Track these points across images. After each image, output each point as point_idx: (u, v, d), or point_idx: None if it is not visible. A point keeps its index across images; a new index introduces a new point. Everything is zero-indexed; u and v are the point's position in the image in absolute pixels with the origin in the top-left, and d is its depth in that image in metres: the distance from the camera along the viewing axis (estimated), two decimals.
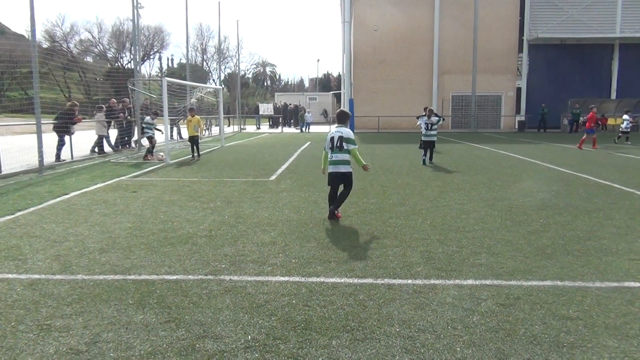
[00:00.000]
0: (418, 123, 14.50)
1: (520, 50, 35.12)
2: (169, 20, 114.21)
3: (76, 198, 8.33)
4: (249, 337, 3.28)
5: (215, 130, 29.89)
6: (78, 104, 15.60)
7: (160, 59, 74.58)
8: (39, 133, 11.35)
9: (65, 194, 8.61)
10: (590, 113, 18.76)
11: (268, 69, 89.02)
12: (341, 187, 6.80)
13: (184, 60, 53.08)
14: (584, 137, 18.59)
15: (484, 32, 33.02)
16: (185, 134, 20.08)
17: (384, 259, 4.93)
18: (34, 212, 7.16)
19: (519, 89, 35.62)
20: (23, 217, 6.87)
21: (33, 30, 11.49)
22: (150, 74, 66.04)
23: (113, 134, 17.93)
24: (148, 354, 3.05)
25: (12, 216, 6.91)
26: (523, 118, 33.69)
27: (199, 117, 15.08)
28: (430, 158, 13.41)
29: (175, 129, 23.48)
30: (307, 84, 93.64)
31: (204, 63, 66.15)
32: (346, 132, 6.62)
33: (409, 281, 4.30)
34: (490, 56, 33.79)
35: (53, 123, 14.43)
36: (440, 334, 3.31)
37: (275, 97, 57.20)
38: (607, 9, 33.67)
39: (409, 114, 31.76)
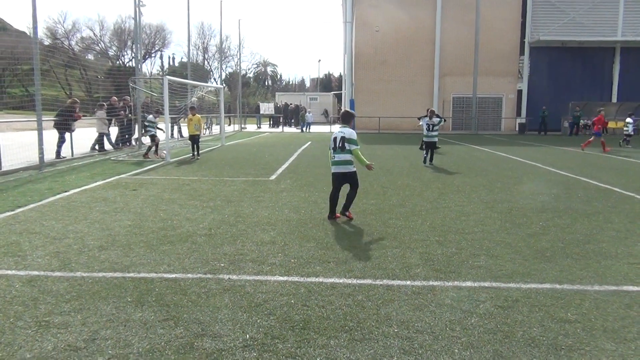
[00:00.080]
0: (420, 124, 14.52)
1: (522, 52, 35.14)
2: (170, 19, 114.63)
3: (76, 195, 8.33)
4: (248, 336, 3.28)
5: (215, 129, 29.89)
6: (79, 101, 15.61)
7: (161, 57, 74.54)
8: (39, 130, 11.36)
9: (65, 191, 8.62)
10: (599, 116, 18.78)
11: (269, 69, 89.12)
12: (346, 188, 6.82)
13: (185, 59, 53.07)
14: (591, 139, 18.61)
15: (486, 34, 33.04)
16: (185, 133, 20.10)
17: (383, 259, 4.93)
18: (34, 209, 7.16)
19: (519, 91, 35.63)
20: (23, 213, 6.87)
21: (35, 27, 11.50)
22: (151, 72, 66.12)
23: (114, 131, 17.94)
24: (146, 352, 3.05)
25: (12, 212, 6.91)
26: (524, 120, 33.71)
27: (199, 116, 15.07)
28: (431, 159, 13.42)
29: (176, 127, 23.49)
30: (308, 84, 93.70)
31: (205, 62, 66.18)
32: (348, 132, 6.63)
33: (408, 282, 4.31)
34: (491, 58, 33.80)
35: (54, 120, 14.45)
36: (438, 336, 3.32)
37: (276, 96, 57.25)
38: (609, 12, 33.68)
39: (410, 115, 31.76)
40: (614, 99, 34.30)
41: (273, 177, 10.79)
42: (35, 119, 11.44)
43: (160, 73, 62.46)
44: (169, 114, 15.40)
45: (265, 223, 6.43)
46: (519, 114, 35.50)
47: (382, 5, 34.43)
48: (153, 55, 68.56)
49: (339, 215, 6.77)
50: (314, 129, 35.26)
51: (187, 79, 24.30)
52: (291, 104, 43.24)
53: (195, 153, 14.64)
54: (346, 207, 6.73)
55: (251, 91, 78.02)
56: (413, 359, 3.02)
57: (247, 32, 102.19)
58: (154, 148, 14.93)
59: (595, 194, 8.90)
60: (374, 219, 6.76)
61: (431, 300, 3.91)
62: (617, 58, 34.74)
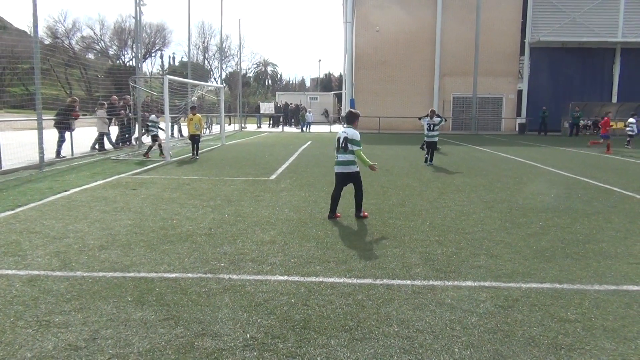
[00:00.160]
0: (422, 123, 14.52)
1: (522, 52, 35.11)
2: (171, 18, 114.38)
3: (76, 195, 8.34)
4: (248, 335, 3.29)
5: (216, 128, 29.89)
6: (78, 99, 15.60)
7: (161, 56, 74.52)
8: (39, 129, 11.35)
9: (66, 191, 8.62)
10: (606, 118, 18.75)
11: (269, 68, 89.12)
12: (350, 189, 6.85)
13: (185, 59, 53.04)
14: (601, 141, 18.62)
15: (486, 34, 33.03)
16: (185, 132, 20.09)
17: (383, 259, 4.94)
18: (34, 208, 7.17)
19: (520, 92, 35.60)
20: (23, 213, 6.88)
21: (35, 26, 11.49)
22: (151, 71, 66.12)
23: (114, 131, 17.94)
24: (147, 351, 3.06)
25: (12, 212, 6.91)
26: (524, 121, 33.68)
27: (200, 115, 15.07)
28: (431, 159, 13.44)
29: (176, 127, 23.49)
30: (308, 84, 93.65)
31: (206, 61, 66.21)
32: (352, 132, 6.64)
33: (408, 282, 4.31)
34: (491, 58, 33.78)
35: (54, 119, 14.45)
36: (438, 335, 3.32)
37: (277, 96, 57.23)
38: (609, 13, 33.65)
39: (410, 115, 31.76)
40: (614, 100, 34.27)
41: (273, 176, 10.79)
42: (36, 118, 11.44)
43: (161, 72, 62.49)
44: (169, 114, 15.40)
45: (265, 222, 6.44)
46: (519, 114, 35.48)
47: (382, 6, 34.42)
48: (153, 54, 68.60)
49: (339, 214, 6.78)
50: (314, 128, 35.25)
51: (187, 78, 24.30)
52: (291, 104, 43.23)
53: (195, 152, 14.64)
54: (358, 208, 6.80)
55: (251, 91, 78.01)
56: (413, 358, 3.02)
57: (248, 31, 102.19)
58: (156, 148, 14.93)
59: (595, 194, 8.91)
60: (374, 218, 6.77)
61: (431, 300, 3.91)
62: (617, 59, 34.71)
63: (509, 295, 4.03)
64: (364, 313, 3.65)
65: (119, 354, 3.03)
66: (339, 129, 6.83)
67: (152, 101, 20.20)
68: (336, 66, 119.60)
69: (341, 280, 4.33)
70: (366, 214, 6.87)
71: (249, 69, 79.49)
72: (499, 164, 13.83)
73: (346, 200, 7.21)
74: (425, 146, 13.85)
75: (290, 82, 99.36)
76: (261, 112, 42.73)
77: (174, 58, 79.86)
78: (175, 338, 3.24)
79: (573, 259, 5.04)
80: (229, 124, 36.84)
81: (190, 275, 4.43)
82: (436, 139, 13.53)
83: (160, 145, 14.79)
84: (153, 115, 15.30)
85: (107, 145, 16.95)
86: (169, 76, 15.94)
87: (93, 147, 16.39)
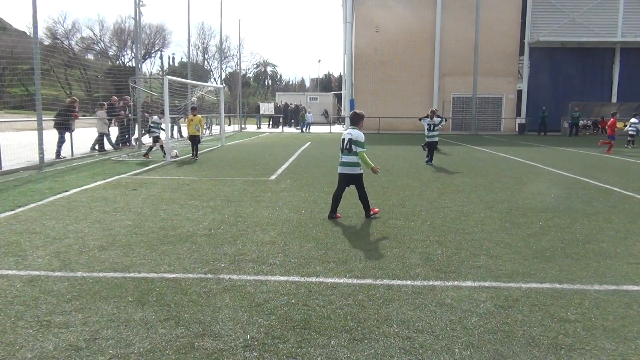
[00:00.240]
0: (422, 124, 14.54)
1: (522, 52, 35.14)
2: (170, 19, 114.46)
3: (76, 195, 8.34)
4: (248, 336, 3.29)
5: (215, 129, 29.90)
6: (78, 99, 15.60)
7: (161, 57, 74.36)
8: (39, 130, 11.35)
9: (66, 191, 8.62)
10: (612, 119, 18.73)
11: (269, 69, 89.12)
12: (353, 191, 6.88)
13: (185, 59, 53.08)
14: (611, 142, 18.64)
15: (486, 34, 33.05)
16: (185, 133, 20.09)
17: (383, 259, 4.94)
18: (34, 209, 7.17)
19: (519, 92, 35.63)
20: (23, 213, 6.88)
21: (35, 27, 11.49)
22: (151, 72, 66.09)
23: (114, 131, 17.94)
24: (147, 352, 3.06)
25: (12, 212, 6.92)
26: (523, 121, 33.70)
27: (200, 116, 15.07)
28: (431, 159, 13.45)
29: (175, 127, 23.49)
30: (308, 84, 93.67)
31: (205, 62, 66.19)
32: (356, 134, 6.66)
33: (408, 282, 4.31)
34: (491, 58, 33.81)
35: (54, 120, 14.45)
36: (438, 335, 3.32)
37: (276, 96, 57.24)
38: (608, 13, 33.68)
39: (410, 115, 31.81)
40: (614, 100, 34.31)
41: (273, 177, 10.80)
42: (36, 119, 11.44)
43: (160, 73, 62.45)
44: (169, 114, 15.39)
45: (265, 223, 6.44)
46: (518, 114, 35.50)
47: (382, 6, 34.44)
48: (153, 55, 68.59)
49: (339, 215, 6.78)
50: (314, 129, 35.25)
51: (187, 78, 24.31)
52: (291, 104, 43.24)
53: (195, 153, 14.63)
54: (366, 208, 6.81)
55: (251, 91, 78.02)
56: (413, 358, 3.03)
57: (247, 32, 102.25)
58: (157, 149, 14.93)
59: (595, 194, 8.91)
60: (374, 219, 6.77)
61: (431, 300, 3.92)
62: (617, 58, 34.74)
63: (509, 295, 4.04)
64: (364, 313, 3.66)
65: (119, 354, 3.03)
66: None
67: (152, 102, 20.20)
68: (336, 66, 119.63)
69: (341, 281, 4.33)
70: (376, 209, 6.91)
71: (248, 69, 79.57)
72: (498, 164, 13.83)
73: (346, 201, 7.21)
74: (426, 146, 13.87)
75: (290, 83, 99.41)
76: (261, 112, 42.74)
77: (173, 59, 79.86)
78: (175, 338, 3.24)
79: (573, 259, 5.04)
80: (229, 125, 36.83)
81: (190, 275, 4.44)
82: (436, 139, 13.58)
83: (162, 147, 14.80)
84: (156, 117, 15.30)
85: (107, 146, 16.95)
86: (168, 77, 15.94)
87: (93, 148, 16.40)
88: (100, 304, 3.78)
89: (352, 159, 6.67)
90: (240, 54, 46.54)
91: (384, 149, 19.28)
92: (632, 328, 3.47)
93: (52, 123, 14.32)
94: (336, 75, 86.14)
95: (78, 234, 5.77)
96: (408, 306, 3.80)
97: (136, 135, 18.19)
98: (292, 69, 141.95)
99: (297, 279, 4.37)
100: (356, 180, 6.73)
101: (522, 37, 34.59)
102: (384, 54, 34.78)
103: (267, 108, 44.81)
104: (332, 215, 6.72)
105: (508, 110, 35.31)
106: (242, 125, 36.27)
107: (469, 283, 4.30)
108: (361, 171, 6.75)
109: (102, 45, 64.80)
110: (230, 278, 4.37)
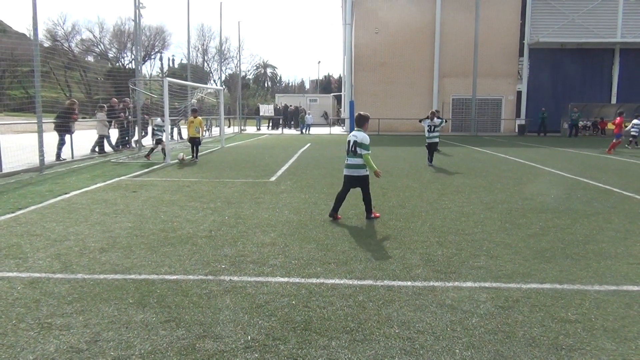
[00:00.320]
0: (423, 125, 14.56)
1: (521, 54, 35.17)
2: (170, 21, 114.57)
3: (77, 197, 8.34)
4: (249, 337, 3.29)
5: (215, 131, 29.91)
6: (77, 101, 15.61)
7: (161, 59, 74.35)
8: (39, 132, 11.37)
9: (66, 193, 8.63)
10: (619, 118, 18.70)
11: (269, 70, 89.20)
12: (357, 192, 6.91)
13: (185, 61, 53.17)
14: (614, 141, 18.64)
15: (485, 36, 33.09)
16: (185, 135, 20.09)
17: (384, 260, 4.94)
18: (35, 211, 7.17)
19: (519, 93, 35.65)
20: (24, 215, 6.88)
21: (35, 29, 11.50)
22: (151, 74, 66.09)
23: (114, 133, 17.94)
24: (148, 353, 3.06)
25: (13, 215, 6.92)
26: (523, 122, 33.72)
27: (201, 118, 15.09)
28: (430, 160, 13.47)
29: (175, 129, 23.50)
30: (307, 86, 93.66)
31: (205, 64, 66.21)
32: (361, 136, 6.68)
33: (409, 283, 4.32)
34: (491, 59, 33.84)
35: (54, 122, 14.46)
36: (439, 336, 3.33)
37: (276, 98, 57.30)
38: (608, 14, 33.71)
39: (410, 116, 31.83)
40: (614, 100, 34.33)
41: (273, 178, 10.80)
42: (36, 121, 11.45)
43: (160, 75, 62.49)
44: (169, 116, 15.39)
45: (265, 224, 6.45)
46: (518, 115, 35.52)
47: (381, 7, 34.49)
48: (153, 57, 68.56)
49: (339, 217, 6.79)
50: (314, 130, 35.29)
51: (187, 80, 24.32)
52: (291, 106, 43.26)
53: (195, 155, 14.64)
54: (368, 210, 6.84)
55: (251, 93, 78.07)
56: (414, 359, 3.03)
57: (247, 33, 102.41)
58: (158, 150, 14.94)
59: (595, 195, 8.92)
60: (374, 220, 6.77)
61: (432, 301, 3.92)
62: (616, 59, 34.76)
63: (510, 296, 4.04)
64: (365, 314, 3.66)
65: (120, 356, 3.03)
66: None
67: (152, 104, 20.21)
68: (336, 68, 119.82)
69: (342, 282, 4.34)
70: (377, 214, 6.92)
71: (248, 71, 79.62)
72: (498, 165, 13.84)
73: (347, 202, 7.20)
74: (426, 147, 13.89)
75: (290, 84, 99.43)
76: (261, 114, 42.76)
77: (173, 60, 79.79)
78: (176, 340, 3.24)
79: (573, 259, 5.04)
80: (229, 127, 36.84)
81: (191, 277, 4.44)
82: (436, 140, 13.60)
83: (163, 149, 14.80)
84: (159, 119, 15.31)
85: (107, 148, 16.96)
86: (168, 78, 15.94)
87: (93, 150, 16.40)
88: (101, 305, 3.79)
89: (357, 161, 6.70)
90: (240, 56, 46.59)
91: (384, 150, 19.29)
92: (632, 328, 3.48)
93: (52, 125, 14.33)
94: (336, 76, 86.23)
95: (78, 236, 5.78)
96: (408, 307, 3.80)
97: (136, 137, 18.19)
98: (291, 71, 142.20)
99: (297, 280, 4.37)
100: (362, 182, 6.77)
101: (522, 38, 34.63)
102: (383, 56, 34.82)
103: (266, 110, 44.83)
104: (333, 213, 6.75)
105: (508, 111, 35.34)
106: (242, 127, 36.29)
107: (469, 284, 4.31)
108: (367, 173, 6.78)
109: (102, 47, 64.83)
110: (230, 279, 4.37)
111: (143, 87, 19.92)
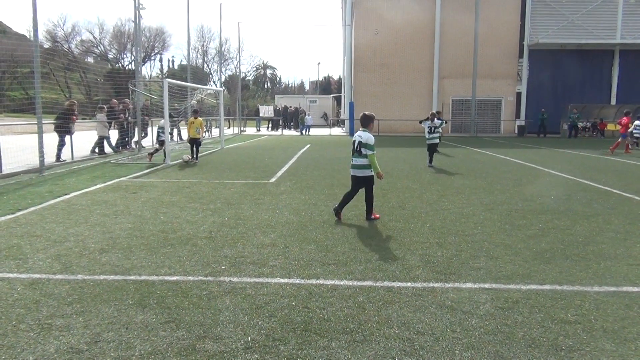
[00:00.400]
0: (423, 126, 14.57)
1: (521, 55, 35.19)
2: (170, 22, 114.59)
3: (76, 198, 8.34)
4: (249, 338, 3.29)
5: (215, 132, 29.92)
6: (76, 102, 15.61)
7: (161, 60, 74.30)
8: (39, 133, 11.37)
9: (66, 194, 8.63)
10: (626, 118, 18.70)
11: (268, 72, 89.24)
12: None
13: (184, 62, 53.26)
14: (619, 140, 18.63)
15: (485, 37, 33.11)
16: (185, 136, 20.10)
17: (384, 261, 4.95)
18: (35, 212, 7.17)
19: (519, 94, 35.67)
20: (24, 216, 6.88)
21: (35, 30, 11.51)
22: (151, 75, 66.12)
23: (113, 134, 17.94)
24: (148, 354, 3.07)
25: (13, 215, 6.92)
26: (523, 123, 33.73)
27: (201, 119, 15.09)
28: (430, 161, 13.48)
29: (175, 130, 23.51)
30: (307, 87, 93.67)
31: (205, 65, 66.24)
32: (366, 137, 6.71)
33: (408, 284, 4.32)
34: (490, 61, 33.88)
35: (54, 123, 14.46)
36: (439, 337, 3.33)
37: (276, 99, 57.27)
38: (607, 15, 33.75)
39: (410, 117, 31.85)
40: (613, 101, 34.36)
41: (273, 179, 10.81)
42: (36, 122, 11.45)
43: (160, 76, 62.51)
44: (170, 117, 15.40)
45: (265, 225, 6.45)
46: (518, 116, 35.53)
47: (381, 9, 34.51)
48: (153, 58, 68.57)
49: (377, 215, 6.88)
50: (314, 131, 35.30)
51: (186, 81, 24.33)
52: (291, 107, 43.27)
53: (195, 156, 14.64)
54: (368, 211, 6.86)
55: (250, 94, 78.11)
56: None
57: (247, 35, 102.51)
58: (162, 150, 14.94)
59: (595, 196, 8.92)
60: (374, 221, 6.78)
61: (432, 302, 3.92)
62: (616, 61, 34.79)
63: (509, 296, 4.04)
64: (365, 315, 3.66)
65: (120, 356, 3.04)
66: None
67: (152, 105, 20.21)
68: (335, 69, 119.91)
69: (342, 283, 4.34)
70: (377, 215, 6.93)
71: (248, 72, 79.64)
72: (498, 166, 13.85)
73: (349, 203, 7.20)
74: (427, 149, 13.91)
75: (290, 85, 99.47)
76: (260, 115, 42.77)
77: (173, 61, 79.87)
78: (176, 341, 3.25)
79: (573, 260, 5.05)
80: (228, 128, 36.87)
81: (191, 278, 4.44)
82: (436, 141, 13.61)
83: (164, 151, 14.81)
84: (162, 121, 15.31)
85: (107, 149, 16.96)
86: (168, 80, 15.94)
87: (93, 151, 16.40)
88: (101, 306, 3.79)
89: (362, 161, 6.73)
90: (239, 57, 46.53)
91: (384, 151, 19.29)
92: (631, 329, 3.48)
93: (52, 126, 14.33)
94: (335, 77, 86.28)
95: (78, 237, 5.78)
96: (408, 308, 3.80)
97: (136, 138, 18.20)
98: (291, 72, 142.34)
99: (297, 281, 4.38)
100: (366, 182, 6.80)
101: (522, 39, 34.66)
102: (383, 57, 34.85)
103: (266, 111, 44.86)
104: (339, 209, 6.82)
105: (507, 112, 35.37)
106: (242, 128, 36.30)
107: (469, 285, 4.31)
108: (372, 173, 6.81)
109: (102, 48, 64.85)
110: (230, 280, 4.38)
111: (143, 89, 19.92)
